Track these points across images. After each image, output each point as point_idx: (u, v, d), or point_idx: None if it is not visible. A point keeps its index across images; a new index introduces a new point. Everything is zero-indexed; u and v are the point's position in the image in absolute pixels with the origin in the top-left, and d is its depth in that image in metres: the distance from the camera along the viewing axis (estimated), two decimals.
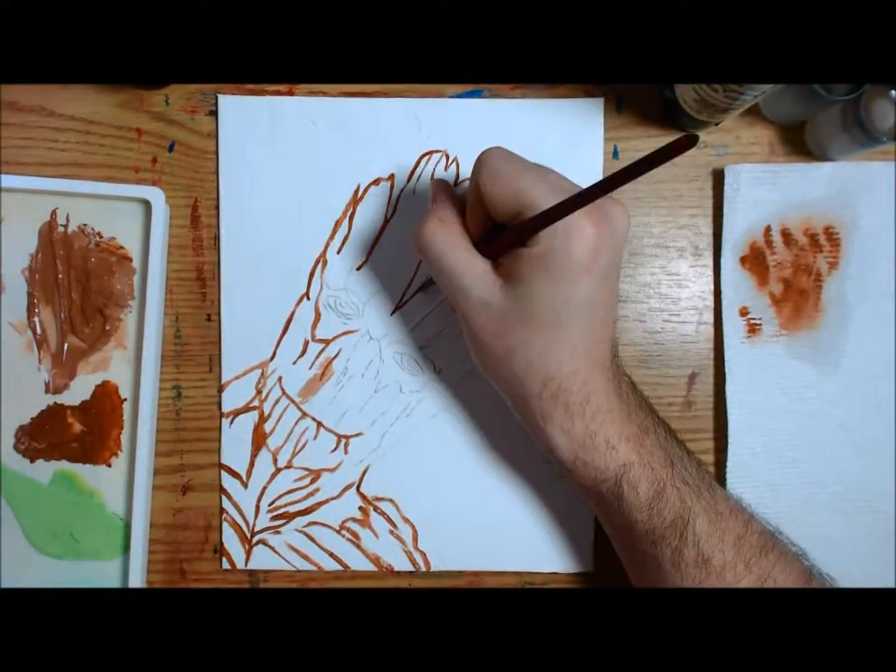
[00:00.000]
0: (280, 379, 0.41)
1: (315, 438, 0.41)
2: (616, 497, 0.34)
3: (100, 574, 0.40)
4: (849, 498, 0.42)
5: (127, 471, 0.40)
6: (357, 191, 0.41)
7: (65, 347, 0.40)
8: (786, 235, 0.42)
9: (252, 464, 0.41)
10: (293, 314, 0.41)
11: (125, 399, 0.40)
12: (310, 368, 0.41)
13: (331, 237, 0.41)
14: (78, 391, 0.40)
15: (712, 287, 0.42)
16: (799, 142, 0.42)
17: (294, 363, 0.41)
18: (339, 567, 0.41)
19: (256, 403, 0.41)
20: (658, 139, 0.42)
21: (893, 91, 0.38)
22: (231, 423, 0.41)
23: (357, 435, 0.41)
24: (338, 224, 0.41)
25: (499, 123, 0.41)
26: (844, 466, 0.42)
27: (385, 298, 0.41)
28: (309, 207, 0.41)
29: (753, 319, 0.42)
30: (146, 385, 0.39)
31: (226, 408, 0.41)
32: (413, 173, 0.41)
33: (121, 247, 0.40)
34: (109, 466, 0.40)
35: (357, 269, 0.41)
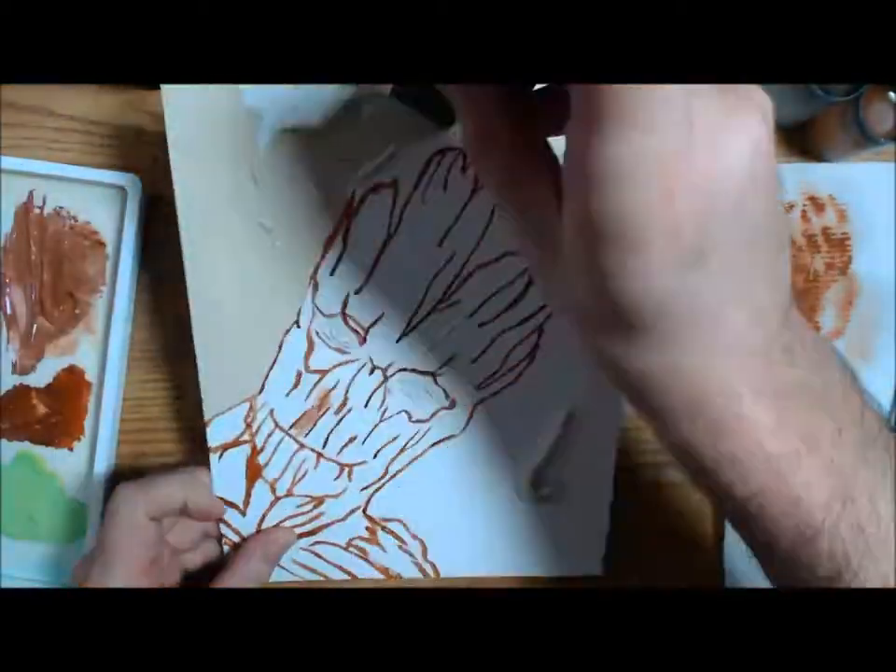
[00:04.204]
0: (272, 412, 0.37)
1: (315, 468, 0.38)
2: (751, 525, 0.24)
3: (58, 557, 0.41)
4: None
5: (88, 457, 0.40)
6: (351, 201, 0.34)
7: (34, 328, 0.41)
8: None
9: (249, 494, 0.38)
10: (282, 344, 0.36)
11: (91, 385, 0.40)
12: (305, 400, 0.37)
13: (322, 257, 0.35)
14: (45, 373, 0.41)
15: None
16: (797, 143, 0.42)
17: (287, 395, 0.37)
18: (346, 577, 0.40)
19: (246, 437, 0.37)
20: None
21: (892, 94, 0.38)
22: (221, 457, 0.37)
23: (360, 464, 0.38)
24: (330, 241, 0.35)
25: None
26: None
27: (390, 324, 0.36)
28: (294, 221, 0.34)
29: None
30: (111, 371, 0.40)
31: (212, 443, 0.37)
32: (421, 177, 0.34)
33: (95, 232, 0.41)
34: (71, 450, 0.41)
35: (356, 292, 0.36)
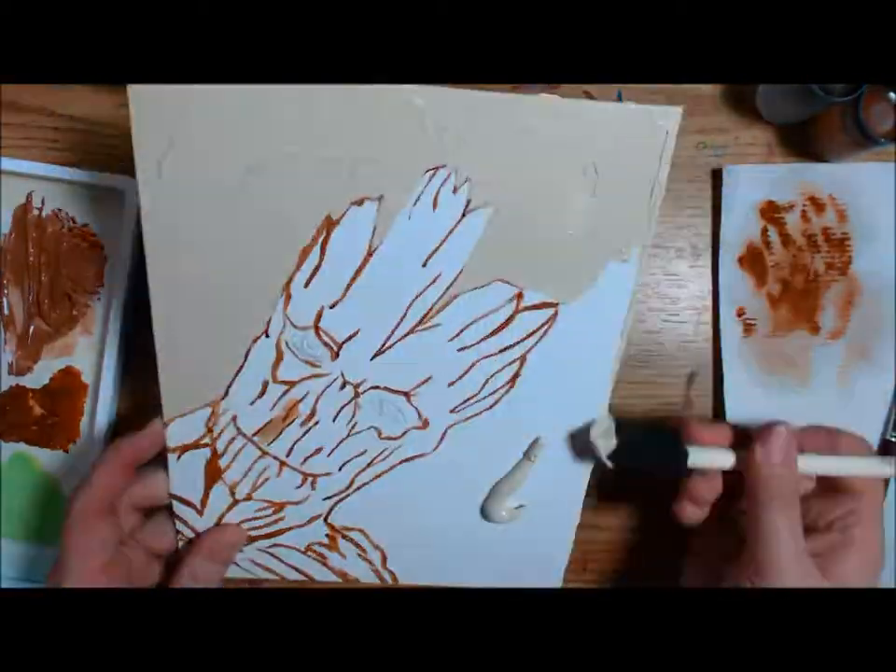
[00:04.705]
0: (235, 418, 0.37)
1: (278, 475, 0.38)
2: None
3: (51, 558, 0.40)
4: None
5: (83, 458, 0.41)
6: (331, 212, 0.33)
7: (31, 330, 0.41)
8: (784, 236, 0.42)
9: (207, 495, 0.38)
10: (248, 352, 0.35)
11: (87, 386, 0.41)
12: (271, 409, 0.37)
13: (297, 267, 0.34)
14: (41, 375, 0.42)
15: (711, 287, 0.42)
16: (797, 143, 0.43)
17: (252, 403, 0.36)
18: (303, 580, 0.40)
19: (207, 441, 0.37)
20: None
21: (892, 94, 0.38)
22: (179, 458, 0.37)
23: (325, 475, 0.38)
24: (305, 252, 0.33)
25: (531, 124, 0.31)
26: None
27: (366, 340, 0.35)
28: (268, 230, 0.33)
29: (749, 319, 0.42)
30: (107, 373, 0.40)
31: (171, 443, 0.37)
32: (410, 193, 0.32)
33: (93, 234, 0.42)
34: (66, 451, 0.41)
35: (331, 307, 0.35)
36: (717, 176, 0.43)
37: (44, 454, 0.41)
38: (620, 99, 0.42)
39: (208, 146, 0.31)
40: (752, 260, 0.42)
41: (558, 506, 0.39)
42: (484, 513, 0.39)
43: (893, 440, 0.42)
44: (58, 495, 0.41)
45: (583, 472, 0.38)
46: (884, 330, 0.42)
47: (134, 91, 0.31)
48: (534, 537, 0.39)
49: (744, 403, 0.42)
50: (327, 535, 0.39)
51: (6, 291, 0.41)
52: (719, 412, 0.42)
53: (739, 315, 0.42)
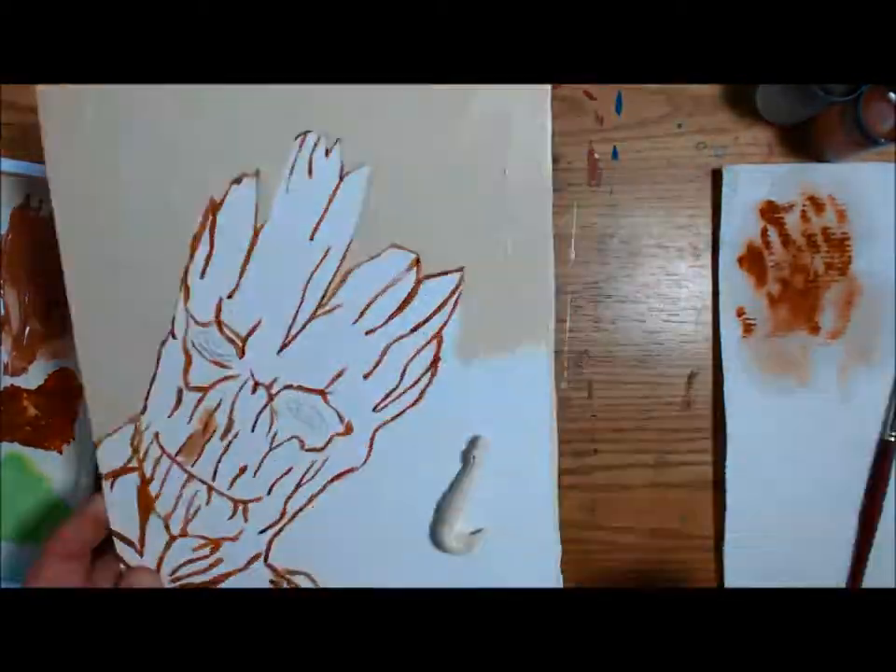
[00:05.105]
0: (157, 435, 0.35)
1: (207, 503, 0.35)
2: None
3: None
4: (848, 497, 0.41)
5: (76, 460, 0.41)
6: (213, 195, 0.32)
7: (27, 331, 0.41)
8: (784, 236, 0.42)
9: (143, 531, 0.36)
10: (159, 357, 0.34)
11: (82, 388, 0.40)
12: (188, 422, 0.34)
13: (191, 258, 0.32)
14: (36, 375, 0.42)
15: (711, 287, 0.42)
16: (797, 143, 0.43)
17: (169, 416, 0.34)
18: None
19: (134, 463, 0.35)
20: (656, 140, 0.42)
21: (892, 94, 0.38)
22: (112, 486, 0.35)
23: (255, 500, 0.35)
24: (196, 240, 0.32)
25: (397, 111, 0.32)
26: (842, 464, 0.41)
27: (269, 332, 0.33)
28: (159, 221, 0.32)
29: (749, 319, 0.42)
30: None
31: (103, 469, 0.36)
32: (286, 163, 0.32)
33: None
34: (60, 452, 0.42)
35: (229, 296, 0.33)
36: (717, 176, 0.43)
37: (38, 454, 0.41)
38: (620, 99, 0.42)
39: (102, 147, 0.32)
40: (752, 260, 0.42)
41: (531, 524, 0.34)
42: (435, 541, 0.34)
43: (892, 439, 0.42)
44: (51, 495, 0.41)
45: (547, 470, 0.33)
46: (884, 330, 0.42)
47: (43, 94, 0.32)
48: (511, 568, 0.34)
49: (744, 403, 0.42)
50: (271, 581, 0.36)
51: (2, 292, 0.41)
52: (719, 411, 0.43)
53: (739, 315, 0.42)
